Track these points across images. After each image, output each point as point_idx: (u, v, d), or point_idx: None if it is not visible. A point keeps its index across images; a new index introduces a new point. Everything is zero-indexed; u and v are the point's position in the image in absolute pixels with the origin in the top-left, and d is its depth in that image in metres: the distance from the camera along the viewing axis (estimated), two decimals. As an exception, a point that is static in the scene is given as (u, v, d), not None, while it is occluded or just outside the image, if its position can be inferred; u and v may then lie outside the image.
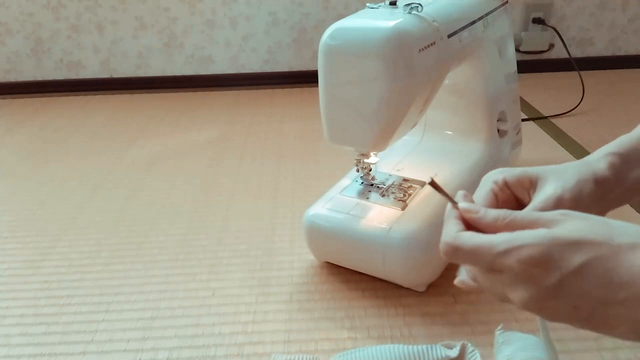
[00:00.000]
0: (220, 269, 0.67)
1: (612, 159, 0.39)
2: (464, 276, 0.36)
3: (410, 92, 0.55)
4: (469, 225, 0.34)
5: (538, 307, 0.30)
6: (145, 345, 0.55)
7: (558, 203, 0.36)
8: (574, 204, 0.36)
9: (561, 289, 0.29)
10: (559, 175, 0.38)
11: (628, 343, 0.53)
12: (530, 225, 0.31)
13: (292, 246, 0.71)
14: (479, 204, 0.37)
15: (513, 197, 0.39)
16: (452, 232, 0.33)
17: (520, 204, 0.38)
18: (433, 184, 0.36)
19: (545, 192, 0.36)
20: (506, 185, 0.39)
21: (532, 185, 0.38)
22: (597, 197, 0.37)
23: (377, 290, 0.61)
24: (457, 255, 0.33)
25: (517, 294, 0.30)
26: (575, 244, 0.29)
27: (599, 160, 0.39)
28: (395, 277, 0.60)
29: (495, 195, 0.38)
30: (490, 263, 0.31)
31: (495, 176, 0.39)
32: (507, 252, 0.30)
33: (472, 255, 0.32)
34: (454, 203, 0.35)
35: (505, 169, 0.40)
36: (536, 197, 0.37)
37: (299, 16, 1.41)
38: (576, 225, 0.30)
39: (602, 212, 0.39)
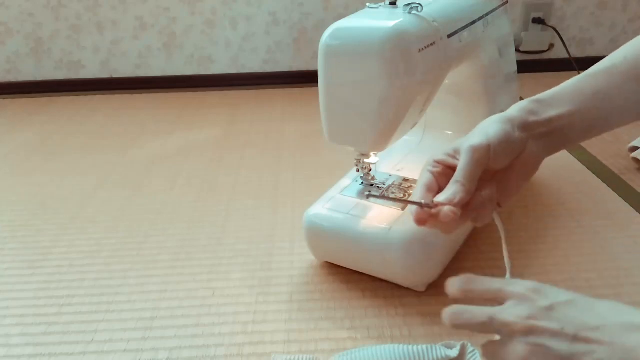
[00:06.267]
0: (220, 269, 0.67)
1: (523, 103, 0.46)
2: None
3: (410, 92, 0.55)
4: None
5: (531, 325, 0.36)
6: (145, 345, 0.55)
7: (473, 150, 0.43)
8: (485, 147, 0.43)
9: (552, 310, 0.36)
10: (474, 132, 0.45)
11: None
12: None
13: (292, 246, 0.71)
14: (421, 183, 0.45)
15: (447, 169, 0.45)
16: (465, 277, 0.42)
17: (453, 171, 0.44)
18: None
19: (463, 148, 0.44)
20: (437, 162, 0.45)
21: (456, 152, 0.45)
22: (506, 132, 0.44)
23: (377, 290, 0.61)
24: (471, 286, 0.40)
25: (516, 311, 0.37)
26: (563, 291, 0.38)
27: (510, 109, 0.47)
28: (395, 277, 0.60)
29: (432, 173, 0.45)
30: (498, 290, 0.39)
31: (428, 159, 0.46)
32: (513, 283, 0.39)
33: (485, 282, 0.40)
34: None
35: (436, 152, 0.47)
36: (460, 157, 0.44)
37: (299, 16, 1.41)
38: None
39: (533, 146, 0.45)
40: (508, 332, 0.37)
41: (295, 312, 0.59)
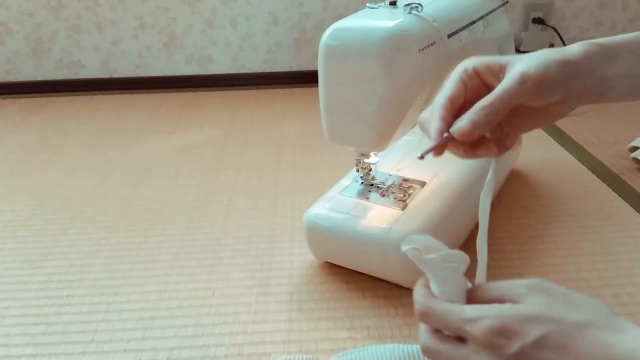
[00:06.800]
0: (220, 269, 0.67)
1: (588, 47, 0.39)
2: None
3: (410, 92, 0.55)
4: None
5: None
6: (145, 345, 0.55)
7: (523, 79, 0.36)
8: (538, 80, 0.37)
9: (521, 356, 0.31)
10: (527, 57, 0.38)
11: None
12: (498, 299, 0.35)
13: (292, 246, 0.71)
14: (447, 93, 0.39)
15: (482, 84, 0.39)
16: (426, 295, 0.37)
17: (488, 91, 0.38)
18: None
19: (511, 70, 0.37)
20: (476, 73, 0.39)
21: (501, 70, 0.39)
22: (565, 77, 0.38)
23: (377, 290, 0.61)
24: (428, 315, 0.35)
25: None
26: (535, 318, 0.32)
27: (573, 46, 0.40)
28: (395, 277, 0.60)
29: (464, 84, 0.39)
30: (457, 329, 0.34)
31: (466, 64, 0.40)
32: (473, 320, 0.33)
33: (442, 317, 0.35)
34: None
35: (476, 57, 0.40)
36: (504, 78, 0.38)
37: (299, 16, 1.41)
38: (538, 300, 0.33)
39: (573, 98, 0.39)
40: None
41: (295, 312, 0.59)
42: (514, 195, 0.81)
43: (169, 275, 0.66)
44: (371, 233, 0.58)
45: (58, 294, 0.64)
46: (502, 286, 0.35)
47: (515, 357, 0.31)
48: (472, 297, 0.36)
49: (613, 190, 0.82)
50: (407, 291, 0.61)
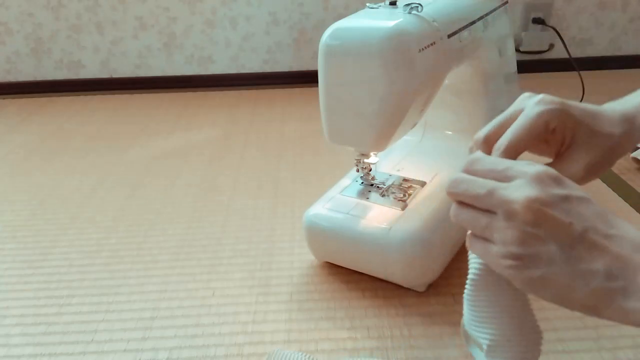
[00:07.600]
0: (220, 269, 0.67)
1: (627, 127, 0.40)
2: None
3: (410, 92, 0.55)
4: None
5: (536, 209, 0.31)
6: (145, 345, 0.55)
7: (582, 175, 0.39)
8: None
9: (565, 202, 0.31)
10: (590, 147, 0.39)
11: (628, 343, 0.53)
12: None
13: (292, 246, 0.71)
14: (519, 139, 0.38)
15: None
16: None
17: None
18: None
19: (574, 165, 0.39)
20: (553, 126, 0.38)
21: (571, 133, 0.38)
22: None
23: (377, 290, 0.61)
24: (486, 143, 0.38)
25: (523, 190, 0.32)
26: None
27: (621, 133, 0.40)
28: (395, 277, 0.60)
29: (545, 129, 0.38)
30: (512, 163, 0.34)
31: (553, 106, 0.37)
32: (530, 163, 0.33)
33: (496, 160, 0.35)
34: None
35: (555, 103, 0.38)
36: (566, 162, 0.39)
37: (299, 16, 1.41)
38: None
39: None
40: (506, 212, 0.32)
41: (295, 312, 0.59)
42: (514, 195, 0.81)
43: (169, 275, 0.66)
44: (371, 233, 0.58)
45: (58, 294, 0.64)
46: None
47: (559, 199, 0.31)
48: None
49: (613, 190, 0.81)
50: (407, 291, 0.61)
